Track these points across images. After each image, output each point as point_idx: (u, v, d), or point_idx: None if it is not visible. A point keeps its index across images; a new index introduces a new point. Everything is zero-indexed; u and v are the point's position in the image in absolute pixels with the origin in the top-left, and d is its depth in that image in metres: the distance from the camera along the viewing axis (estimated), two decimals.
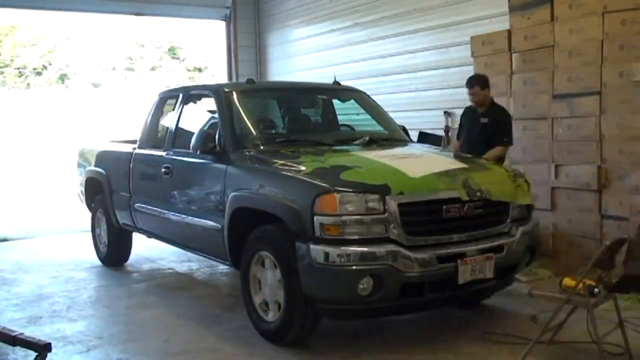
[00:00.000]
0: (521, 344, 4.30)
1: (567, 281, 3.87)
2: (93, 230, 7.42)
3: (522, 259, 4.65)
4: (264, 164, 4.67)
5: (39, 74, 33.58)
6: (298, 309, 4.18)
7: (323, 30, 9.90)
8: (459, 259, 4.12)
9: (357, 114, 6.24)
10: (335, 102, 6.17)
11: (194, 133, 5.26)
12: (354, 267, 3.88)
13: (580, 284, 3.75)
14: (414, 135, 6.06)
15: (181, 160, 5.54)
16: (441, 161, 4.77)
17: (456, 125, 7.49)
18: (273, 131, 5.63)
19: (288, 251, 4.13)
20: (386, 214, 3.99)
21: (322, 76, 8.79)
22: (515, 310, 5.10)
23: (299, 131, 5.64)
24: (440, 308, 4.98)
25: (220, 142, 5.04)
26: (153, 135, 6.29)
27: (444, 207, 4.18)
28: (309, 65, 10.20)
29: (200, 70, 33.02)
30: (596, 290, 3.78)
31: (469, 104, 7.02)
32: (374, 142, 5.32)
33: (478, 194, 4.28)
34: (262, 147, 4.95)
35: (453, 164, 4.66)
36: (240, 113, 5.30)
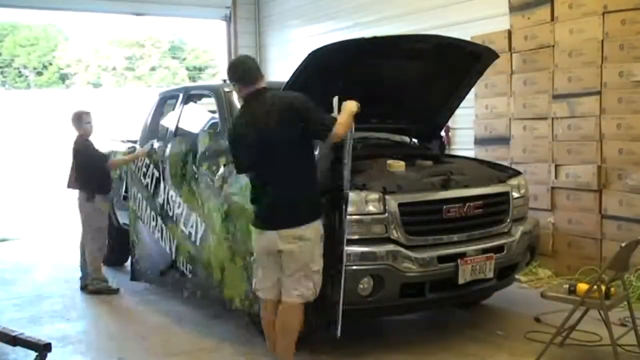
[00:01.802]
0: (522, 345, 4.31)
1: (581, 286, 3.85)
2: None
3: (522, 259, 4.65)
4: None
5: (39, 74, 33.56)
6: None
7: (323, 30, 9.88)
8: (459, 259, 4.12)
9: None
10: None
11: (194, 133, 5.26)
12: (354, 267, 3.87)
13: (595, 286, 3.74)
14: None
15: None
16: None
17: (457, 125, 7.49)
18: None
19: None
20: (386, 214, 3.99)
21: None
22: (515, 310, 5.10)
23: None
24: (440, 308, 4.98)
25: None
26: (153, 135, 6.29)
27: (444, 207, 4.18)
28: None
29: (200, 70, 32.98)
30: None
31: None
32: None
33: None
34: None
35: None
36: None
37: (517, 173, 4.98)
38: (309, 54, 4.13)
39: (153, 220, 5.59)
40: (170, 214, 5.31)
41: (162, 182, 5.46)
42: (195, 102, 5.96)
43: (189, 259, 5.05)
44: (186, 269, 5.10)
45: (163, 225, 5.42)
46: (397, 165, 4.38)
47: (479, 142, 6.88)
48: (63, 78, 33.96)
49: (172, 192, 5.29)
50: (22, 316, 5.31)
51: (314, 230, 3.63)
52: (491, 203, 4.46)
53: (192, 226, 5.00)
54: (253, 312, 4.33)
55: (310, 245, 3.61)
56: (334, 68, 4.28)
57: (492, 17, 6.94)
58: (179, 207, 5.19)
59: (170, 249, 5.31)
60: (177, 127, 5.83)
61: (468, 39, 6.92)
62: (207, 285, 4.85)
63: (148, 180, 5.72)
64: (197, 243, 4.90)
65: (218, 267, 4.66)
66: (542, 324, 4.63)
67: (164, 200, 5.41)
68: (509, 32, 6.50)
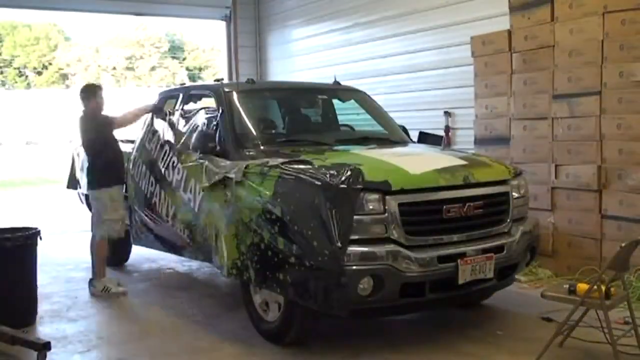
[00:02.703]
0: (522, 345, 4.31)
1: (581, 286, 3.85)
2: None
3: (522, 259, 4.65)
4: None
5: (39, 74, 33.52)
6: (298, 309, 4.18)
7: (323, 30, 9.90)
8: (459, 259, 4.11)
9: (358, 114, 6.24)
10: (336, 102, 6.17)
11: (194, 133, 5.27)
12: (354, 267, 3.87)
13: (595, 286, 3.73)
14: (414, 135, 6.04)
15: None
16: (441, 159, 4.76)
17: (457, 125, 7.50)
18: (273, 131, 5.62)
19: None
20: (386, 214, 3.99)
21: (322, 76, 8.78)
22: (515, 310, 5.10)
23: (299, 131, 5.63)
24: (440, 308, 4.98)
25: (221, 142, 5.05)
26: (153, 135, 6.28)
27: (444, 207, 4.18)
28: (309, 65, 10.20)
29: (200, 70, 32.94)
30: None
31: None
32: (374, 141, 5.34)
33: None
34: (262, 147, 4.94)
35: (453, 161, 4.65)
36: (240, 113, 5.29)
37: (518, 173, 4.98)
38: None
39: (151, 185, 5.83)
40: (170, 179, 5.48)
41: (165, 147, 5.75)
42: (195, 102, 5.96)
43: (187, 224, 5.25)
44: (184, 233, 5.32)
45: (161, 191, 5.67)
46: None
47: (479, 142, 6.87)
48: (63, 78, 33.89)
49: (174, 158, 5.51)
50: None
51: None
52: (491, 203, 4.46)
53: (190, 192, 5.15)
54: (243, 281, 4.52)
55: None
56: None
57: (492, 17, 6.94)
58: (179, 172, 5.37)
59: (167, 214, 5.55)
60: (177, 127, 5.84)
61: (468, 39, 6.96)
62: (204, 250, 5.04)
63: (152, 145, 5.99)
64: (196, 209, 5.10)
65: (213, 234, 4.80)
66: (543, 323, 4.62)
67: (164, 166, 5.62)
68: (509, 32, 6.50)
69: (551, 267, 6.01)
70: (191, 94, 5.97)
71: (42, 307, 5.50)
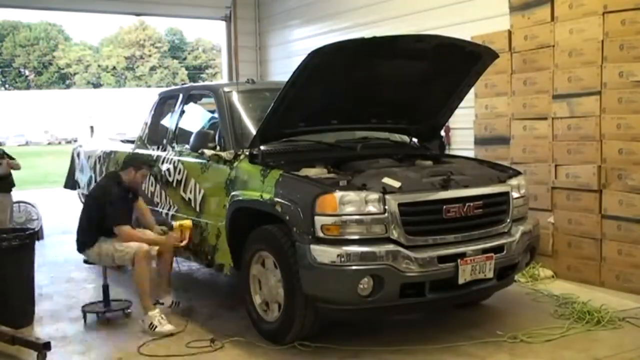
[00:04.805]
0: (522, 345, 4.31)
1: None
2: None
3: (522, 259, 4.65)
4: None
5: (39, 74, 33.55)
6: (298, 309, 4.18)
7: (323, 30, 9.89)
8: (459, 259, 4.11)
9: None
10: None
11: (193, 133, 5.27)
12: (354, 267, 3.87)
13: None
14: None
15: (181, 160, 5.54)
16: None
17: (457, 125, 7.48)
18: None
19: (288, 251, 4.14)
20: (386, 214, 3.99)
21: None
22: (515, 310, 5.10)
23: None
24: (440, 308, 4.97)
25: (221, 142, 5.05)
26: (153, 135, 6.29)
27: (444, 207, 4.18)
28: None
29: (200, 70, 32.96)
30: None
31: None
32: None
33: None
34: (262, 147, 4.94)
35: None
36: (240, 113, 5.29)
37: (517, 173, 4.98)
38: (309, 54, 4.13)
39: (152, 185, 5.87)
40: (171, 179, 5.54)
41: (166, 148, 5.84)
42: (195, 102, 5.96)
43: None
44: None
45: (162, 191, 5.71)
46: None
47: (479, 142, 6.88)
48: (63, 78, 33.94)
49: (174, 158, 5.55)
50: None
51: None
52: (491, 203, 4.46)
53: (191, 192, 5.16)
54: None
55: None
56: (334, 68, 4.28)
57: (492, 17, 6.94)
58: (179, 173, 5.41)
59: (167, 214, 5.60)
60: (177, 127, 5.84)
61: (468, 39, 6.93)
62: (200, 250, 5.16)
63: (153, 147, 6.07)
64: (197, 209, 5.19)
65: (214, 234, 4.92)
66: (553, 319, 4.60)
67: (165, 166, 5.65)
68: (509, 32, 6.50)
69: (551, 267, 6.01)
70: (191, 94, 5.97)
71: (42, 307, 5.50)
